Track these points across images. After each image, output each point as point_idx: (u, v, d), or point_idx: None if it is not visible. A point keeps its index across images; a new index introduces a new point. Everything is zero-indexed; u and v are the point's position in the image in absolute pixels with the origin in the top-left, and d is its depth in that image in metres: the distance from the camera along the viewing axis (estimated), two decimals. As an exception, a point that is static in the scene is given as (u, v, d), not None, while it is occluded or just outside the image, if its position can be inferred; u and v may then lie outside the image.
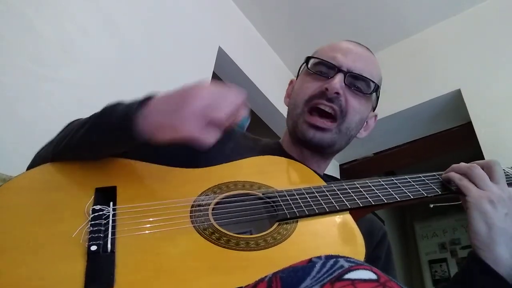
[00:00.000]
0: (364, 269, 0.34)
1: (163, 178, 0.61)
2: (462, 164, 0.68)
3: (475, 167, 0.65)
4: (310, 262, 0.36)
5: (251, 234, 0.55)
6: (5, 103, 1.10)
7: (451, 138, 2.37)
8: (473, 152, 1.84)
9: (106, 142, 0.58)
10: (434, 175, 0.70)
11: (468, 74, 2.12)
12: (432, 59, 2.31)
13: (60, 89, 1.25)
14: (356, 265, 0.34)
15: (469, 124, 2.02)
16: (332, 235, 0.55)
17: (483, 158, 1.82)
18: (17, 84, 1.14)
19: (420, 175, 0.70)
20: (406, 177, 0.69)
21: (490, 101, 1.97)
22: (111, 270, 0.43)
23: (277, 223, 0.55)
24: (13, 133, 1.07)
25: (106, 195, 0.55)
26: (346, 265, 0.35)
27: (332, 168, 2.74)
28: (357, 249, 0.52)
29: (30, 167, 0.64)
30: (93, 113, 0.63)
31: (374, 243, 0.79)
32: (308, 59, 0.84)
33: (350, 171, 2.76)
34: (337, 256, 0.36)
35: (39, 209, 0.51)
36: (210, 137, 0.51)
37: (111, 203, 0.53)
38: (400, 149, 2.56)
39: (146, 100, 0.56)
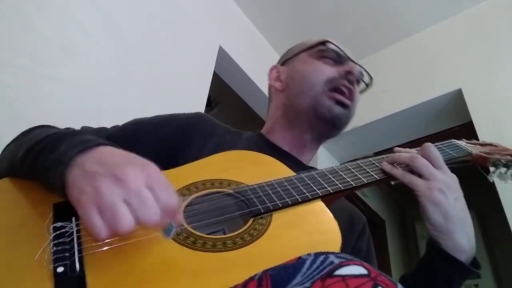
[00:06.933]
0: (355, 264, 0.34)
1: None
2: (402, 155, 0.68)
3: (416, 158, 0.65)
4: (300, 259, 0.37)
5: (224, 233, 0.54)
6: (5, 102, 1.10)
7: (452, 138, 2.36)
8: (474, 151, 1.83)
9: (39, 176, 0.51)
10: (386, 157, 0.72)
11: (469, 73, 2.11)
12: (433, 59, 2.31)
13: (60, 89, 1.26)
14: (346, 261, 0.34)
15: (470, 124, 2.01)
16: (308, 224, 0.55)
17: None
18: (17, 84, 1.15)
19: (383, 156, 0.72)
20: (370, 159, 0.71)
21: (491, 101, 1.96)
22: None
23: (251, 219, 0.54)
24: (14, 132, 1.07)
25: (66, 210, 0.49)
26: (337, 261, 0.35)
27: (333, 168, 2.74)
28: (333, 235, 0.52)
29: None
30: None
31: (356, 235, 0.79)
32: (325, 42, 0.84)
33: (350, 170, 2.75)
34: (327, 252, 0.36)
35: None
36: (93, 231, 0.39)
37: (73, 218, 0.48)
38: (401, 148, 2.55)
39: (100, 145, 0.49)
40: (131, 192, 0.40)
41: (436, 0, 2.24)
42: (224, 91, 2.43)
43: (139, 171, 0.42)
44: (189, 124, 0.78)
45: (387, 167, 0.68)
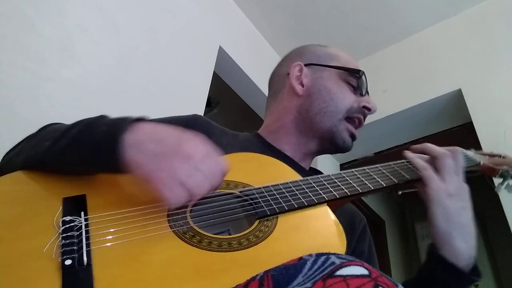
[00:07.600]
0: (356, 265, 0.34)
1: (135, 183, 0.55)
2: (435, 146, 0.68)
3: (448, 156, 0.65)
4: (301, 260, 0.37)
5: (229, 233, 0.54)
6: (5, 102, 1.10)
7: (451, 138, 2.36)
8: (474, 151, 1.83)
9: (82, 161, 0.54)
10: (403, 162, 0.71)
11: (469, 73, 2.11)
12: (433, 59, 2.31)
13: (60, 89, 1.26)
14: (347, 261, 0.34)
15: (470, 124, 2.01)
16: (313, 228, 0.56)
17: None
18: (17, 84, 1.15)
19: (390, 163, 0.71)
20: (377, 166, 0.71)
21: (491, 101, 1.97)
22: (89, 284, 0.41)
23: (257, 221, 0.54)
24: (13, 133, 1.07)
25: (75, 205, 0.51)
26: (338, 261, 0.35)
27: (333, 168, 2.74)
28: (338, 240, 0.52)
29: None
30: (86, 115, 0.59)
31: (356, 236, 0.79)
32: (361, 73, 0.86)
33: (350, 170, 2.75)
34: (328, 253, 0.37)
35: (1, 226, 0.47)
36: (177, 200, 0.47)
37: (82, 213, 0.50)
38: (400, 149, 2.53)
39: (135, 122, 0.53)
40: (200, 164, 0.49)
41: (435, 0, 2.24)
42: (224, 91, 2.43)
43: (195, 145, 0.51)
44: (185, 128, 0.77)
45: (409, 154, 0.69)
